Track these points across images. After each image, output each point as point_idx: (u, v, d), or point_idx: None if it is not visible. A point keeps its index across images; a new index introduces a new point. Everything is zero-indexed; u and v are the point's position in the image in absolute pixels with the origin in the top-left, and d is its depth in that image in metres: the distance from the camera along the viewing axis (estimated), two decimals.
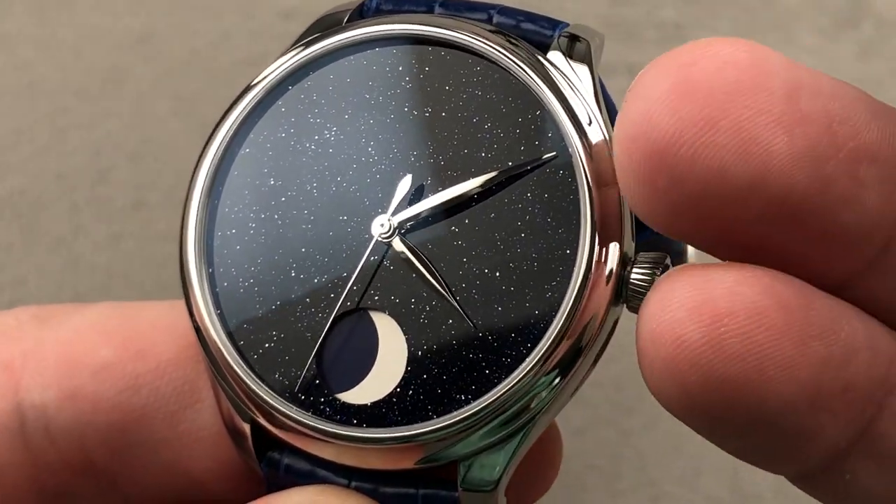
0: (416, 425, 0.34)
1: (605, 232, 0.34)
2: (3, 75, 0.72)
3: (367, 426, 0.35)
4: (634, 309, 0.34)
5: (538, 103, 0.34)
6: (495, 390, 0.34)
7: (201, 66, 0.73)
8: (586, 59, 0.35)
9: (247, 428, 0.36)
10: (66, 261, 0.66)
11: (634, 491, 0.59)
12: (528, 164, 0.34)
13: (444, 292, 0.34)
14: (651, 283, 0.33)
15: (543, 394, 0.34)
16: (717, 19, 0.63)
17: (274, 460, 0.36)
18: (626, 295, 0.34)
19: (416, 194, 0.35)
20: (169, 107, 0.71)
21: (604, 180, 0.34)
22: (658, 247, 0.39)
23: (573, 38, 0.35)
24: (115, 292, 0.66)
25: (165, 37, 0.73)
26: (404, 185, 0.35)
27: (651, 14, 0.64)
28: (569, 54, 0.35)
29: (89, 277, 0.66)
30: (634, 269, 0.34)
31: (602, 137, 0.34)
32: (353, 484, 0.35)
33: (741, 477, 0.58)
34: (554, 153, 0.34)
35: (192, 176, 0.36)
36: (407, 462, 0.35)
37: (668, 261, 0.34)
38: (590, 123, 0.34)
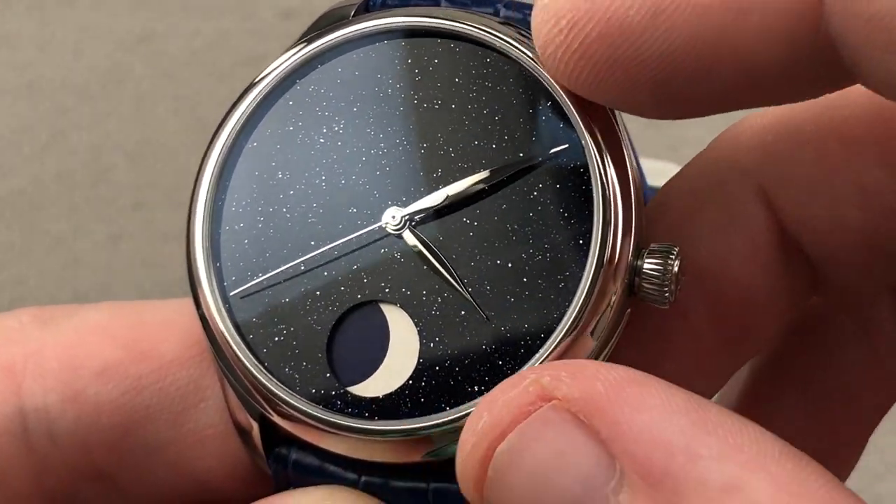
0: (428, 417, 0.34)
1: (618, 222, 0.33)
2: (3, 75, 0.72)
3: (378, 419, 0.34)
4: (647, 299, 0.33)
5: (548, 94, 0.34)
6: None
7: (201, 66, 0.73)
8: None
9: (254, 423, 0.36)
10: (66, 261, 0.66)
11: None
12: (540, 156, 0.34)
13: (455, 284, 0.34)
14: (664, 273, 0.33)
15: None
16: None
17: (281, 456, 0.36)
18: (639, 285, 0.34)
19: (426, 186, 0.35)
20: (169, 107, 0.71)
21: (615, 171, 0.34)
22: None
23: None
24: (115, 292, 0.66)
25: (165, 37, 0.73)
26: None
27: None
28: None
29: (89, 277, 0.66)
30: (647, 260, 0.33)
31: (613, 128, 0.34)
32: (363, 479, 0.35)
33: None
34: (566, 144, 0.34)
35: (199, 171, 0.36)
36: (417, 455, 0.34)
37: (677, 250, 0.34)
38: (598, 113, 0.34)
